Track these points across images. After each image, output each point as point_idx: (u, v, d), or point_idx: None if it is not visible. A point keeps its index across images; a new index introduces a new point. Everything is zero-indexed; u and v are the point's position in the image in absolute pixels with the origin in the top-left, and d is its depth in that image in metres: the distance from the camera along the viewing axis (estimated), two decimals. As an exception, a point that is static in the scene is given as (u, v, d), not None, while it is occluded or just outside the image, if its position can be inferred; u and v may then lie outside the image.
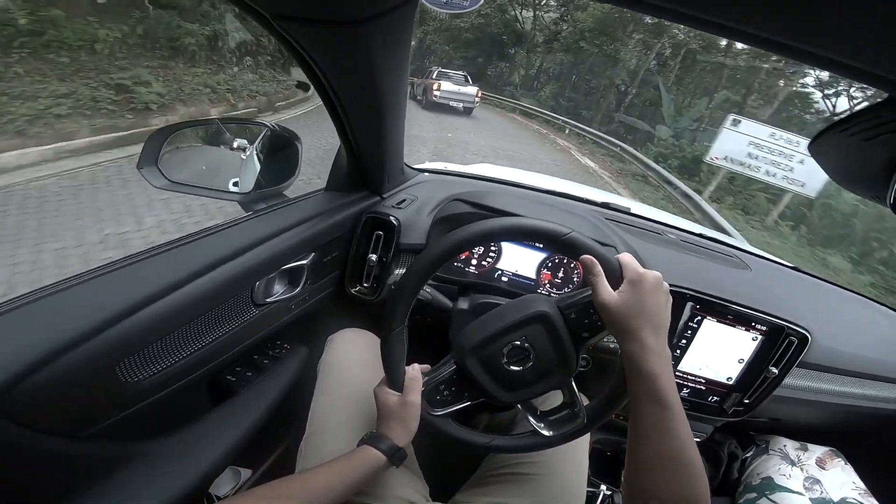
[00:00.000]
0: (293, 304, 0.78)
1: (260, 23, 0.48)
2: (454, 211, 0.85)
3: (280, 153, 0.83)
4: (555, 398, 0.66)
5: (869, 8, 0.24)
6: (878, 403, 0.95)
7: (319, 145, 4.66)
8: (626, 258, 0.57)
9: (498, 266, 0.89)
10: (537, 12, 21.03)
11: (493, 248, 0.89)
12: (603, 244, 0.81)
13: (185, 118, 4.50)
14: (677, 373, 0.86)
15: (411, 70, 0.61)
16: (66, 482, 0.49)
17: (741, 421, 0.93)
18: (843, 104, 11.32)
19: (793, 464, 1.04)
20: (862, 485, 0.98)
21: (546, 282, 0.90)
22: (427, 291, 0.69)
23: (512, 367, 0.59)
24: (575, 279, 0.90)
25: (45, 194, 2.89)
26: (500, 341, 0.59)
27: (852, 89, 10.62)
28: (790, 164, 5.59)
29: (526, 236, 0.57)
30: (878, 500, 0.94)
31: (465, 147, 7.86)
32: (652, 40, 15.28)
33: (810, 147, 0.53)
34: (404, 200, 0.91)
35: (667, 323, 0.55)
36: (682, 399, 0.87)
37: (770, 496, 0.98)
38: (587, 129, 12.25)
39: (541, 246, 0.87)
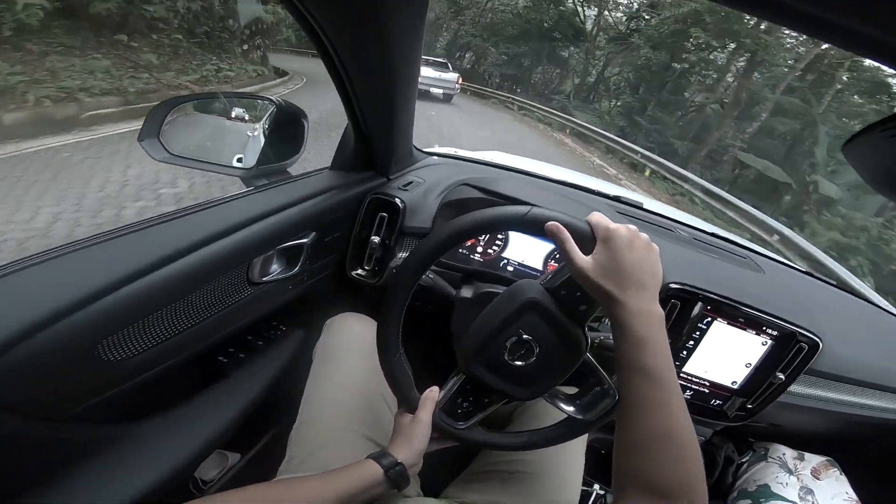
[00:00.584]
0: (290, 284, 0.76)
1: None
2: (462, 195, 0.84)
3: (285, 129, 0.81)
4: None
5: None
6: (880, 413, 0.94)
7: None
8: (595, 217, 0.52)
9: (504, 255, 0.87)
10: (604, 10, 16.95)
11: (499, 237, 0.87)
12: None
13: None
14: (682, 374, 0.84)
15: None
16: (46, 466, 0.48)
17: (741, 426, 0.92)
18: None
19: (790, 473, 1.03)
20: (854, 496, 0.98)
21: (551, 273, 0.88)
22: (429, 277, 0.67)
23: (517, 363, 0.57)
24: None
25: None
26: (499, 340, 0.57)
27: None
28: None
29: (489, 228, 0.54)
30: None
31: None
32: (800, 46, 9.96)
33: (844, 148, 0.51)
34: (411, 182, 0.89)
35: (652, 278, 0.50)
36: (684, 401, 0.86)
37: None
38: (686, 175, 7.21)
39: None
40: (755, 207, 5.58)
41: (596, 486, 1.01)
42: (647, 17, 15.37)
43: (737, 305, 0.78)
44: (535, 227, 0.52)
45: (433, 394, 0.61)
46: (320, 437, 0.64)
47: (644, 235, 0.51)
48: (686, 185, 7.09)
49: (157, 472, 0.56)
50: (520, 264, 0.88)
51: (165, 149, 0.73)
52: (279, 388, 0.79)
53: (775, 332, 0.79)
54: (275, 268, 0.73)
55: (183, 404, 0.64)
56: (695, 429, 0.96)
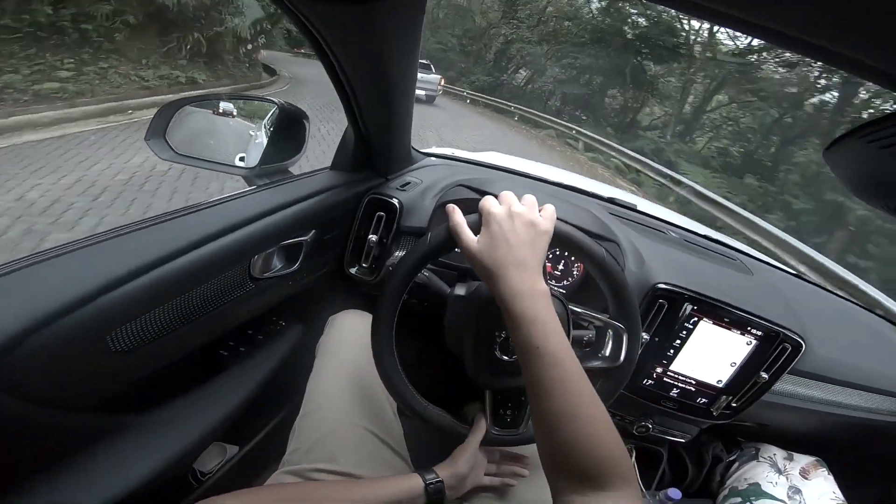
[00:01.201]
0: (290, 280, 0.78)
1: (274, 1, 0.49)
2: (458, 196, 0.86)
3: (287, 130, 0.83)
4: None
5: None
6: (866, 414, 0.95)
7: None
8: (484, 200, 0.53)
9: None
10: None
11: None
12: (605, 238, 0.81)
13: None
14: (669, 372, 0.86)
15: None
16: (53, 452, 0.49)
17: (729, 425, 0.93)
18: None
19: (780, 472, 1.05)
20: (841, 496, 0.99)
21: (546, 273, 0.90)
22: (424, 275, 0.69)
23: (515, 357, 0.60)
24: (575, 272, 0.90)
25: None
26: (486, 345, 0.60)
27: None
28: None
29: (430, 257, 0.57)
30: None
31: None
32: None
33: (825, 153, 0.53)
34: (408, 183, 0.91)
35: (533, 257, 0.49)
36: (671, 399, 0.88)
37: (754, 502, 0.99)
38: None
39: None
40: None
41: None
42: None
43: (722, 306, 0.80)
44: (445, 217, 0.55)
45: (481, 422, 0.64)
46: (324, 428, 0.66)
47: (528, 216, 0.51)
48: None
49: (156, 463, 0.57)
50: None
51: (171, 148, 0.75)
52: (278, 382, 0.80)
53: (760, 333, 0.81)
54: (276, 264, 0.75)
55: (183, 396, 0.66)
56: (683, 427, 0.99)
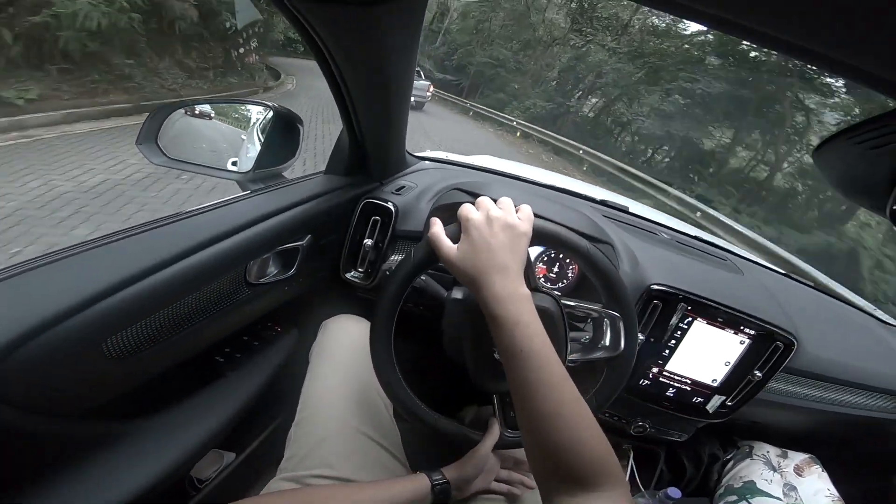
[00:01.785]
0: (286, 285, 0.78)
1: (272, 1, 0.48)
2: (453, 200, 0.86)
3: (281, 134, 0.82)
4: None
5: (882, 12, 0.23)
6: (858, 411, 0.97)
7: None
8: (461, 208, 0.53)
9: None
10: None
11: None
12: (599, 240, 0.81)
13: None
14: (665, 372, 0.87)
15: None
16: (47, 461, 0.48)
17: (724, 423, 0.94)
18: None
19: (774, 470, 1.06)
20: (835, 492, 1.00)
21: (541, 276, 0.91)
22: (421, 279, 0.69)
23: None
24: (570, 274, 0.90)
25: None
26: (482, 349, 0.60)
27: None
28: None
29: (415, 273, 0.58)
30: None
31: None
32: None
33: (814, 154, 0.54)
34: (403, 187, 0.91)
35: (514, 261, 0.50)
36: (667, 399, 0.89)
37: (750, 500, 1.00)
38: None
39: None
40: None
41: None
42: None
43: (716, 306, 0.81)
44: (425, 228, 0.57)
45: (494, 427, 0.65)
46: (319, 433, 0.65)
47: (506, 219, 0.52)
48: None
49: (153, 471, 0.56)
50: None
51: (163, 153, 0.74)
52: (275, 388, 0.80)
53: (752, 332, 0.82)
54: (271, 270, 0.75)
55: (180, 403, 0.65)
56: (679, 426, 0.99)
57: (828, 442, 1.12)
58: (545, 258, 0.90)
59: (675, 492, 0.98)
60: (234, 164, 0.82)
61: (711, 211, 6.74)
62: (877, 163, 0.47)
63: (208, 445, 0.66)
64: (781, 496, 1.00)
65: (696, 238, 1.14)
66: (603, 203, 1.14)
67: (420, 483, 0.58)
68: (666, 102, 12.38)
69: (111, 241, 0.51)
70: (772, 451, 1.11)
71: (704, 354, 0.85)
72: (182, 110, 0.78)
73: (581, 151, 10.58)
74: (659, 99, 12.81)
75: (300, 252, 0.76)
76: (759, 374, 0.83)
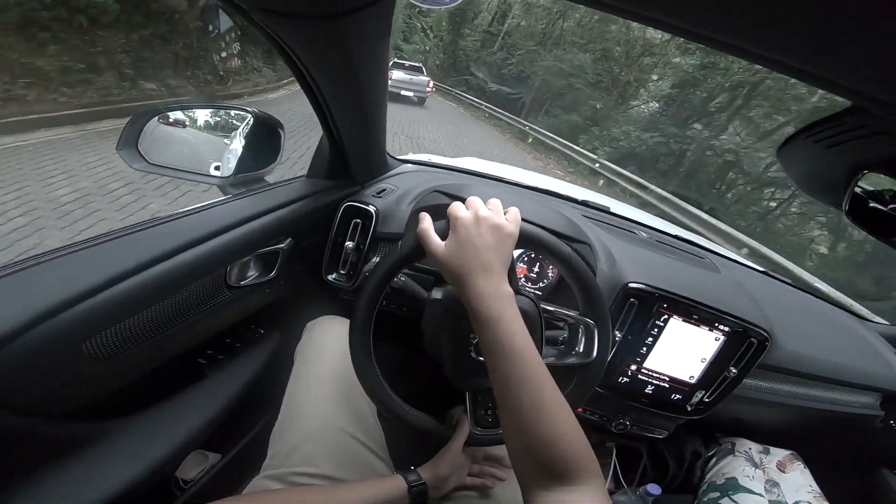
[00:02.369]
0: (268, 288, 0.78)
1: (240, 15, 0.49)
2: (433, 202, 0.87)
3: (262, 139, 0.84)
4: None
5: (834, 21, 0.25)
6: (838, 406, 0.98)
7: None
8: (451, 206, 0.54)
9: None
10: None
11: None
12: (577, 240, 0.83)
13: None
14: (643, 369, 0.88)
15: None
16: (28, 461, 0.49)
17: (706, 421, 0.95)
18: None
19: (756, 466, 1.08)
20: (817, 488, 1.02)
21: (522, 276, 0.92)
22: (401, 279, 0.70)
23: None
24: (550, 274, 0.92)
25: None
26: (462, 348, 0.61)
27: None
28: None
29: (400, 264, 0.58)
30: (830, 503, 0.98)
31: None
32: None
33: (778, 152, 0.55)
34: (384, 190, 0.92)
35: (499, 261, 0.51)
36: (646, 395, 0.90)
37: (732, 496, 1.01)
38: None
39: None
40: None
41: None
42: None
43: (691, 303, 0.82)
44: (413, 222, 0.57)
45: (464, 424, 0.65)
46: (302, 432, 0.66)
47: (494, 220, 0.53)
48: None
49: (135, 471, 0.56)
50: None
51: (144, 158, 0.75)
52: (258, 389, 0.80)
53: (727, 329, 0.83)
54: (252, 272, 0.75)
55: (162, 404, 0.66)
56: (660, 423, 1.01)
57: (809, 438, 1.13)
58: (526, 258, 0.91)
59: (654, 488, 0.99)
60: (216, 168, 0.83)
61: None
62: (834, 161, 0.49)
63: (191, 445, 0.67)
64: (763, 492, 1.01)
65: (675, 237, 1.16)
66: (584, 203, 1.15)
67: (397, 484, 0.59)
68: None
69: (92, 244, 0.52)
70: (754, 448, 1.12)
71: (681, 351, 0.86)
72: (166, 115, 0.79)
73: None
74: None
75: (280, 255, 0.77)
76: (734, 371, 0.84)
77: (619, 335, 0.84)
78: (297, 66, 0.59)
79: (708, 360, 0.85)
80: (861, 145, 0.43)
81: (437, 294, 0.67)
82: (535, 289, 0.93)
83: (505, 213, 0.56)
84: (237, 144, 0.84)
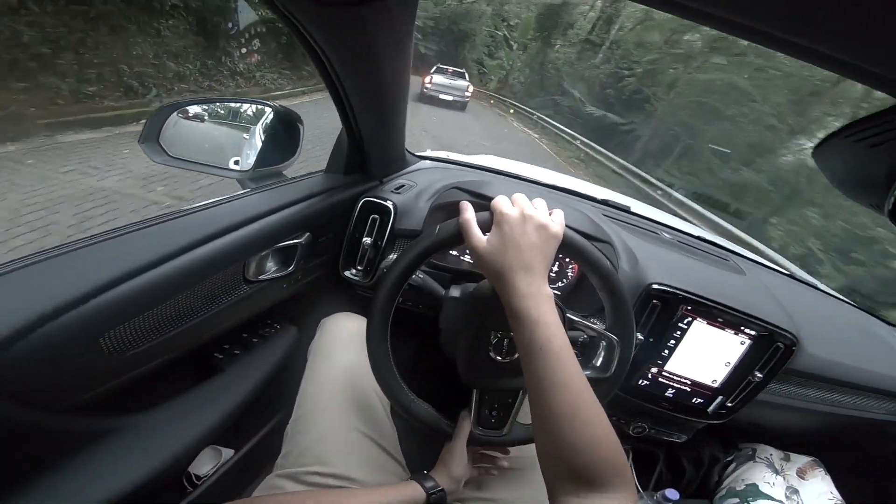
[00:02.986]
0: (285, 283, 0.78)
1: (264, 2, 0.49)
2: (452, 199, 0.86)
3: (282, 133, 0.83)
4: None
5: (879, 7, 0.24)
6: (860, 413, 0.95)
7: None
8: (496, 200, 0.53)
9: None
10: None
11: None
12: (598, 239, 0.81)
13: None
14: (664, 373, 0.86)
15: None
16: (44, 455, 0.49)
17: (726, 425, 0.93)
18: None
19: (777, 472, 1.05)
20: (838, 495, 0.99)
21: None
22: (419, 277, 0.69)
23: (507, 358, 0.60)
24: (569, 273, 0.90)
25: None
26: (481, 345, 0.60)
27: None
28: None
29: (435, 248, 0.56)
30: None
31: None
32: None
33: (814, 152, 0.53)
34: (403, 186, 0.91)
35: (541, 262, 0.50)
36: (666, 399, 0.88)
37: (752, 502, 0.99)
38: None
39: None
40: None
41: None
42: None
43: (716, 306, 0.80)
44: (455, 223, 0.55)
45: (465, 422, 0.64)
46: (316, 431, 0.66)
47: (540, 219, 0.51)
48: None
49: (150, 466, 0.57)
50: None
51: (165, 151, 0.75)
52: (273, 385, 0.80)
53: (753, 332, 0.81)
54: (270, 267, 0.75)
55: (178, 399, 0.65)
56: (679, 427, 0.99)
57: (831, 445, 1.10)
58: None
59: (672, 493, 0.97)
60: (236, 162, 0.83)
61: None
62: (875, 160, 0.47)
63: (206, 441, 0.67)
64: (784, 499, 0.99)
65: (698, 238, 1.13)
66: (604, 203, 1.13)
67: (413, 491, 0.58)
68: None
69: (110, 237, 0.52)
70: (775, 454, 1.10)
71: (704, 355, 0.84)
72: (186, 109, 0.79)
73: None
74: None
75: (299, 249, 0.76)
76: (759, 375, 0.82)
77: (640, 337, 0.82)
78: (319, 56, 0.59)
79: (732, 364, 0.83)
80: None
81: (455, 292, 0.66)
82: (553, 288, 0.91)
83: (549, 214, 0.54)
84: (256, 139, 0.84)
